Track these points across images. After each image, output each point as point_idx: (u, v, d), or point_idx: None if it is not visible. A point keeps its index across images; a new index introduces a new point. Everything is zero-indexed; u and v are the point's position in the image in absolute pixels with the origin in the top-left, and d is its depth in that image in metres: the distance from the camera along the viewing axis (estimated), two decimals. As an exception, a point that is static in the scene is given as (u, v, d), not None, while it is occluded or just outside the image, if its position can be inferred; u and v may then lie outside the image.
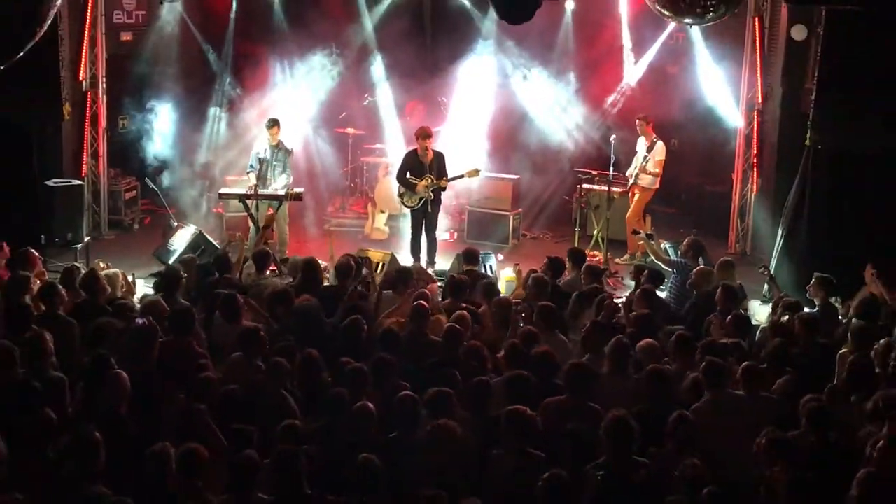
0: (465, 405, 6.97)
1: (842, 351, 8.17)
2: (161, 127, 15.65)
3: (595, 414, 6.75)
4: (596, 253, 13.49)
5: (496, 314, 9.32)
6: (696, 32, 14.50)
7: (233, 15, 15.62)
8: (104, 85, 14.79)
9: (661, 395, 7.25)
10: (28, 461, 6.11)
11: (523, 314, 9.23)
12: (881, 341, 8.15)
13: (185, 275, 9.82)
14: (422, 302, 8.78)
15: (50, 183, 13.10)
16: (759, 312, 11.52)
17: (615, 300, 10.05)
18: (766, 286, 12.13)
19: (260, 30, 15.98)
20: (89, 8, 14.15)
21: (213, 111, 16.06)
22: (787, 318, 9.33)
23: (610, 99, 15.56)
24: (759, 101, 14.30)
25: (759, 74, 14.25)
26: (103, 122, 14.87)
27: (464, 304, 9.41)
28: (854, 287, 10.13)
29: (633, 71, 15.34)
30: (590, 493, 6.05)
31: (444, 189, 13.19)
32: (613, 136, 14.22)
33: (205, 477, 5.97)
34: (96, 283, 9.19)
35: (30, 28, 5.44)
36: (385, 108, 16.13)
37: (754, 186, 14.59)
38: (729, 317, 8.97)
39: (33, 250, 10.24)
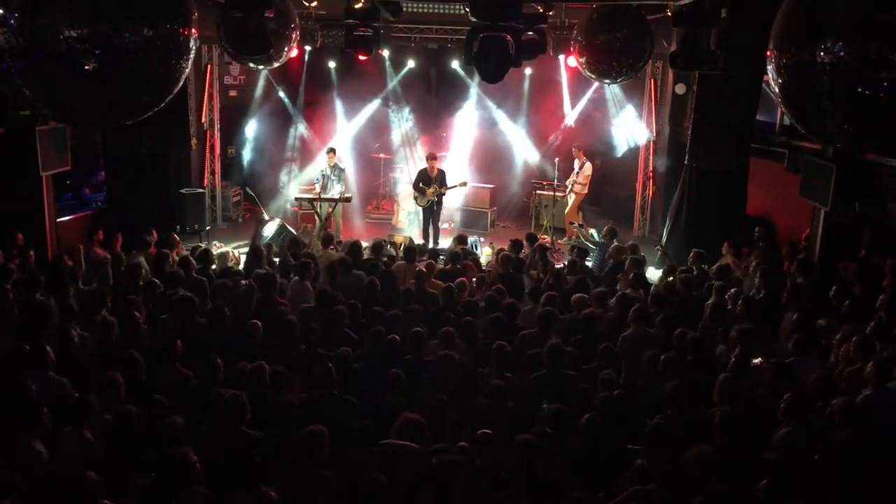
0: (461, 337, 7.02)
1: (708, 301, 8.29)
2: (256, 153, 15.77)
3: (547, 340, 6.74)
4: (545, 237, 13.59)
5: (478, 276, 9.47)
6: (612, 89, 14.56)
7: (303, 76, 15.60)
8: (218, 125, 14.91)
9: (590, 330, 7.37)
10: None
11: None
12: (731, 291, 8.31)
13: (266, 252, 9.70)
14: (422, 269, 8.86)
15: (183, 191, 13.20)
16: (654, 275, 11.63)
17: (556, 267, 10.19)
18: (658, 257, 12.26)
19: (321, 86, 15.94)
20: (208, 73, 14.28)
21: (290, 141, 16.06)
22: (671, 278, 9.48)
23: (554, 134, 15.58)
24: (654, 134, 14.38)
25: (653, 117, 14.35)
26: (217, 150, 14.99)
27: (458, 267, 9.50)
28: (715, 257, 10.25)
29: (570, 115, 15.34)
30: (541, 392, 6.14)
31: (444, 195, 13.28)
32: (556, 159, 14.30)
33: (289, 386, 6.09)
34: (207, 257, 9.29)
35: (168, 86, 5.49)
36: (405, 140, 16.18)
37: (650, 191, 14.69)
38: (631, 276, 9.07)
39: (175, 234, 10.41)
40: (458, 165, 15.22)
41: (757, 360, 6.53)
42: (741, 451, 5.10)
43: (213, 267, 9.44)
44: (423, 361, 6.60)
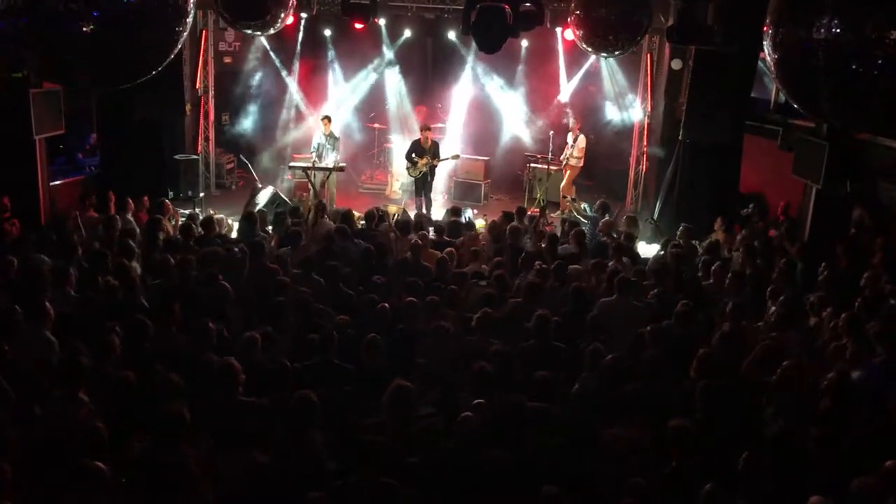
0: (450, 307, 7.11)
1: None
2: (250, 120, 15.69)
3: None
4: (535, 209, 13.55)
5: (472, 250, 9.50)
6: (608, 63, 14.51)
7: (298, 43, 15.46)
8: (213, 91, 14.80)
9: (580, 302, 7.39)
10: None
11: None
12: (716, 265, 8.35)
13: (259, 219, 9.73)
14: (418, 241, 8.86)
15: (177, 157, 13.12)
16: (646, 249, 11.70)
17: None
18: (650, 232, 12.31)
19: (316, 54, 15.83)
20: (203, 39, 14.13)
21: (284, 109, 15.95)
22: (663, 252, 9.53)
23: (550, 107, 15.52)
24: (649, 109, 14.35)
25: (649, 92, 14.29)
26: (212, 116, 14.89)
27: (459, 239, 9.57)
28: (707, 232, 10.30)
29: (566, 88, 15.28)
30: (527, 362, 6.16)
31: (436, 166, 13.25)
32: (551, 132, 14.25)
33: (276, 348, 6.14)
34: (211, 225, 9.33)
35: (164, 53, 5.47)
36: (400, 110, 16.09)
37: (644, 166, 14.70)
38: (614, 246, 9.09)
39: (168, 201, 10.39)
40: (453, 137, 15.16)
41: None
42: (722, 423, 5.18)
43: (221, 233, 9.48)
44: (415, 330, 6.65)
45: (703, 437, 4.77)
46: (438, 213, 13.04)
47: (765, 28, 4.33)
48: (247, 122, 15.68)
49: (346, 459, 4.75)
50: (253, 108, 15.65)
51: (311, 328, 6.46)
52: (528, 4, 8.78)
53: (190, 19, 5.14)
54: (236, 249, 8.44)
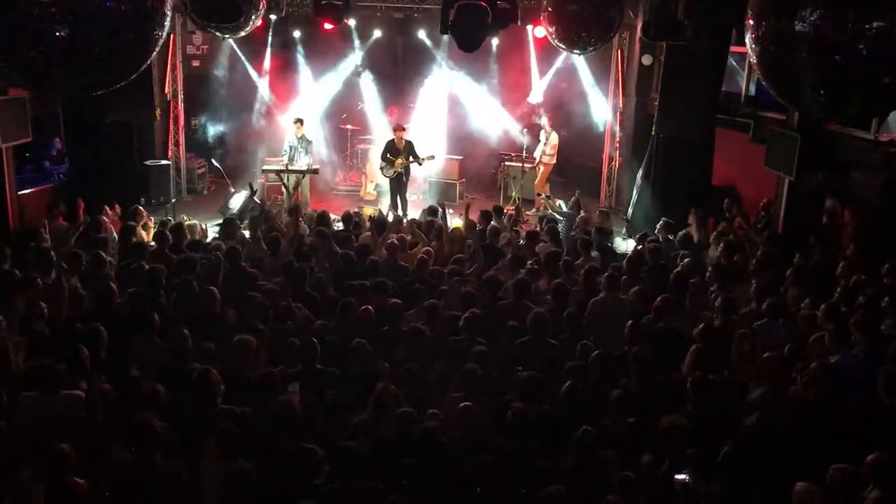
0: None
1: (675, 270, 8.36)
2: (220, 124, 15.51)
3: (526, 311, 6.81)
4: (511, 208, 13.53)
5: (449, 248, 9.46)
6: (580, 60, 14.56)
7: (268, 45, 15.32)
8: (182, 96, 14.59)
9: (561, 299, 7.36)
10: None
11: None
12: (686, 261, 8.39)
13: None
14: (394, 241, 8.78)
15: (147, 162, 12.94)
16: (621, 245, 11.75)
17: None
18: (625, 228, 12.37)
19: (286, 56, 15.64)
20: (171, 43, 13.91)
21: (255, 112, 15.75)
22: (640, 247, 9.56)
23: (522, 105, 15.52)
24: (621, 106, 14.41)
25: (620, 88, 14.37)
26: (181, 121, 14.67)
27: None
28: (682, 227, 10.34)
29: (538, 86, 15.31)
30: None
31: (409, 166, 13.18)
32: (524, 130, 14.28)
33: (262, 353, 6.11)
34: (180, 231, 9.17)
35: (138, 60, 5.37)
36: (372, 112, 16.00)
37: (617, 162, 14.76)
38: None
39: (141, 207, 10.22)
40: (426, 136, 15.07)
41: None
42: (713, 417, 5.21)
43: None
44: (399, 333, 6.62)
45: (695, 433, 4.78)
46: (415, 213, 12.95)
47: (748, 21, 4.33)
48: (217, 126, 15.52)
49: (332, 464, 4.70)
50: (223, 112, 15.46)
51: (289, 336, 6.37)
52: (501, 2, 8.76)
53: (168, 22, 5.04)
54: (217, 254, 8.33)
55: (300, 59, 15.64)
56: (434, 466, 4.77)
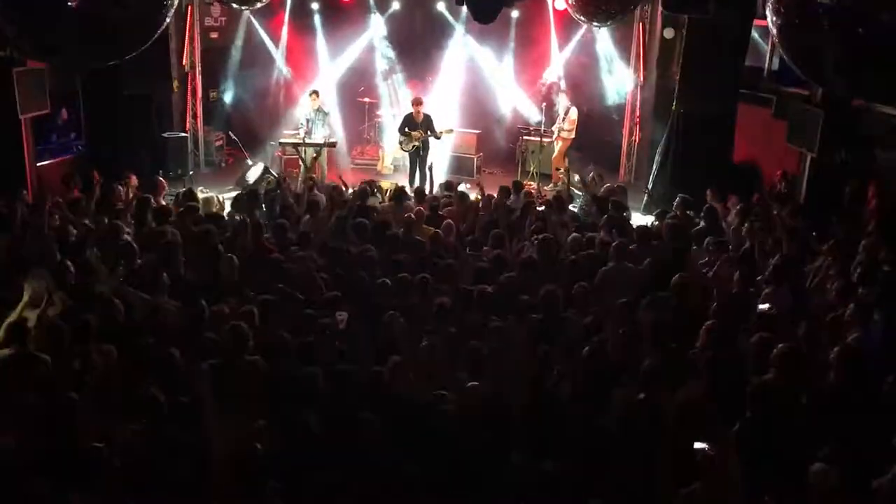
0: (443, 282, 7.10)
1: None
2: (239, 97, 15.51)
3: (534, 287, 6.78)
4: (531, 183, 13.52)
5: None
6: (601, 33, 14.38)
7: (286, 17, 15.27)
8: (200, 67, 14.57)
9: (575, 276, 7.30)
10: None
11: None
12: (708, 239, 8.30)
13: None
14: (411, 215, 8.79)
15: (165, 135, 12.99)
16: (638, 219, 11.66)
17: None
18: (643, 202, 12.28)
19: (304, 27, 15.58)
20: (189, 15, 13.89)
21: (272, 84, 15.73)
22: (657, 222, 9.49)
23: (541, 79, 15.38)
24: (641, 80, 14.26)
25: (641, 62, 14.19)
26: (199, 93, 14.67)
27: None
28: (701, 203, 10.25)
29: (558, 59, 15.17)
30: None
31: (429, 139, 13.09)
32: (543, 104, 14.19)
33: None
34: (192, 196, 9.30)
35: (151, 30, 5.38)
36: (390, 85, 15.92)
37: (637, 137, 14.64)
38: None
39: (161, 178, 10.28)
40: (444, 110, 15.01)
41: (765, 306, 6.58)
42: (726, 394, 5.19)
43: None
44: (411, 304, 6.63)
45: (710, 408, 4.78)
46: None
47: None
48: (235, 99, 15.51)
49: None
50: (241, 84, 15.46)
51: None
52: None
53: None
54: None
55: (318, 30, 15.56)
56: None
